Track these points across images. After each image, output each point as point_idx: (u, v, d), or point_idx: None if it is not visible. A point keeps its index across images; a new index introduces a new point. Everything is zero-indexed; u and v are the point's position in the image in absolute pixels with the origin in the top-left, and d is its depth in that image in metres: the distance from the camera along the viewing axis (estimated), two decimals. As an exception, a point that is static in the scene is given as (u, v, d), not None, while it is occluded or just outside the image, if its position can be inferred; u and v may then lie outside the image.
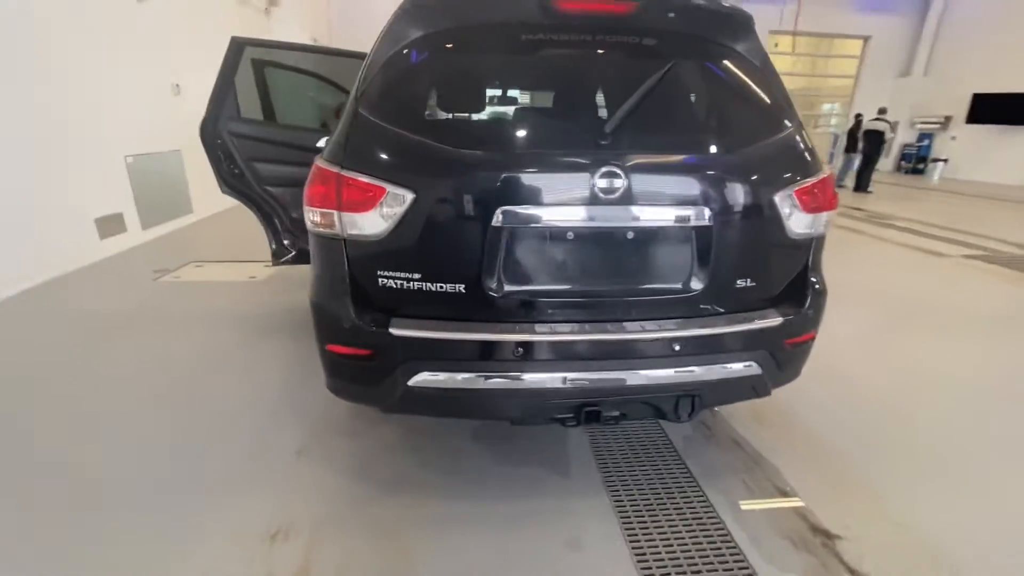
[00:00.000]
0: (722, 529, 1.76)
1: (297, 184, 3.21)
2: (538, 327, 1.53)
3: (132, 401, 2.44)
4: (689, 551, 1.66)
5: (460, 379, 1.52)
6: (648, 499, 1.89)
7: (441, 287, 1.51)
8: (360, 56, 3.15)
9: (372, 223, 1.47)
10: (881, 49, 14.94)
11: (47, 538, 1.67)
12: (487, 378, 1.52)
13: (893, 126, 10.57)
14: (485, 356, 1.52)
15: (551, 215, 1.47)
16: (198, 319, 3.41)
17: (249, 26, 8.00)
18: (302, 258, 3.38)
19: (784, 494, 1.93)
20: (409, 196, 1.44)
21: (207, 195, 6.47)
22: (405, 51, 1.56)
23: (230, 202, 7.56)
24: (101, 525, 1.72)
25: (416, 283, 1.51)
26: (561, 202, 1.46)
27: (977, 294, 4.37)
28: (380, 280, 1.53)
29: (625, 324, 1.55)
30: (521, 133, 1.53)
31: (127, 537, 1.68)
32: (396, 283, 1.52)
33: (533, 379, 1.53)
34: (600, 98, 1.61)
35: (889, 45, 14.90)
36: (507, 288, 1.53)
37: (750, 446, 2.20)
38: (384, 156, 1.49)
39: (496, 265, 1.50)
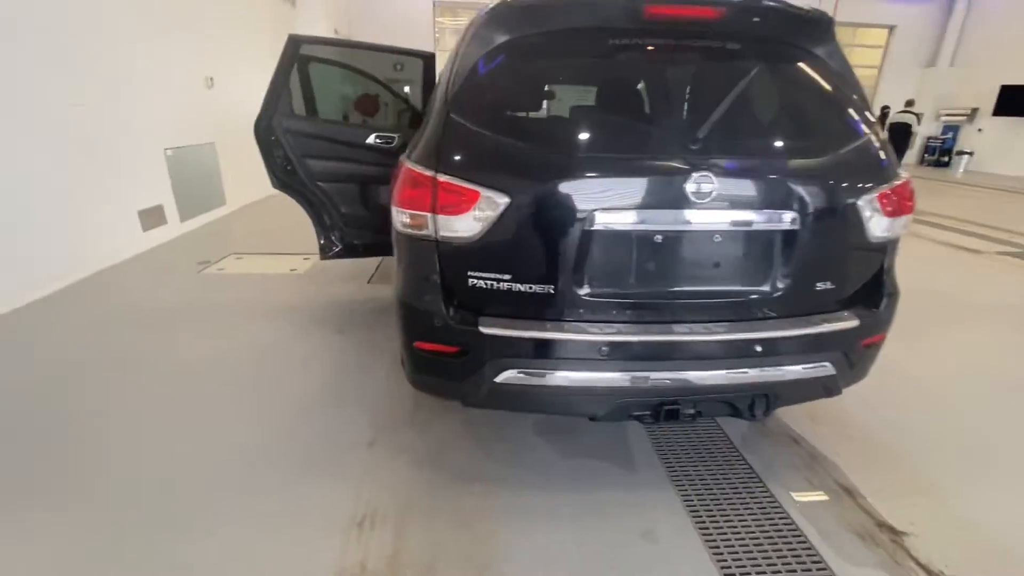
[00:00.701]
0: (790, 523, 1.81)
1: (347, 180, 3.31)
2: (624, 327, 1.57)
3: (200, 395, 2.52)
4: (760, 543, 1.72)
5: (546, 377, 1.58)
6: (713, 493, 1.94)
7: (530, 288, 1.56)
8: (412, 54, 3.21)
9: (466, 226, 1.52)
10: (906, 39, 14.67)
11: (137, 530, 1.76)
12: (573, 376, 1.58)
13: (919, 118, 10.43)
14: (572, 355, 1.57)
15: (644, 219, 1.52)
16: (247, 311, 3.50)
17: (277, 18, 8.05)
18: (349, 252, 3.46)
19: (846, 490, 1.98)
20: (504, 200, 1.49)
21: (239, 187, 6.59)
22: (493, 55, 1.59)
23: (260, 194, 7.74)
24: (192, 517, 1.80)
25: (506, 283, 1.56)
26: (654, 205, 1.50)
27: (1017, 290, 4.35)
28: (470, 280, 1.58)
29: (708, 325, 1.60)
30: (613, 137, 1.57)
31: (221, 526, 1.76)
32: (486, 283, 1.57)
33: (617, 378, 1.58)
34: (687, 102, 1.64)
35: (915, 35, 14.63)
36: (595, 289, 1.58)
37: (807, 442, 2.25)
38: (478, 160, 1.53)
39: (586, 267, 1.55)
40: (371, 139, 3.21)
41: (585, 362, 1.57)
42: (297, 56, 2.88)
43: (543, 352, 1.57)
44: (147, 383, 2.60)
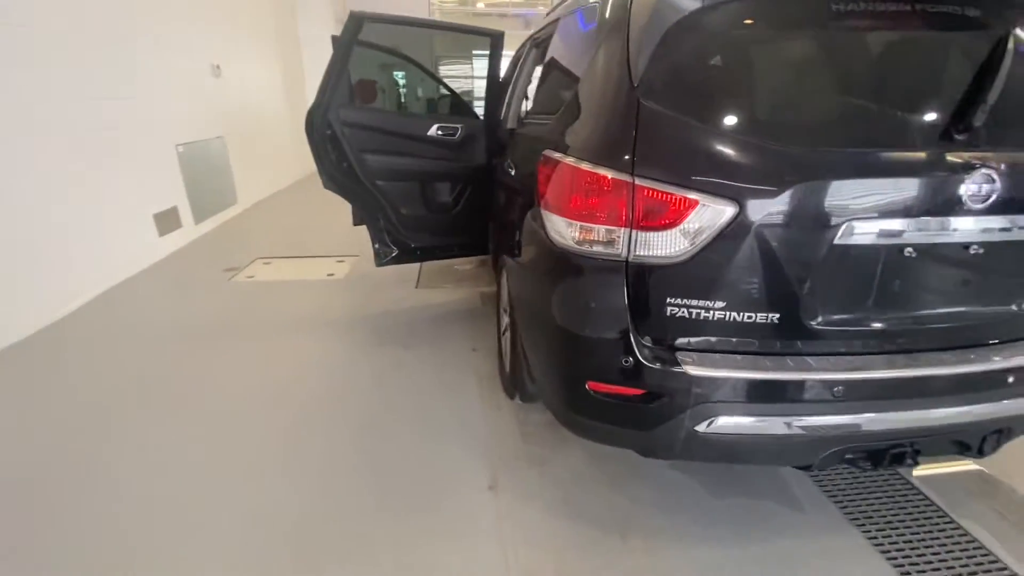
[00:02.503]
0: (998, 563, 1.57)
1: (407, 178, 2.96)
2: (861, 362, 1.29)
3: (283, 426, 2.19)
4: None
5: (766, 424, 1.29)
6: (900, 532, 1.69)
7: (750, 317, 1.26)
8: (479, 32, 2.85)
9: (673, 243, 1.22)
10: None
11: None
12: (799, 422, 1.29)
13: None
14: (799, 397, 1.28)
15: (905, 228, 1.22)
16: (294, 324, 3.16)
17: (280, 1, 7.56)
18: (406, 257, 3.13)
19: (1045, 522, 1.74)
20: (729, 210, 1.18)
21: (249, 184, 6.16)
22: (687, 26, 1.27)
23: (269, 191, 7.29)
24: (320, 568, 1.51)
25: (718, 312, 1.26)
26: (920, 212, 1.21)
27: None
28: (669, 309, 1.28)
29: (956, 353, 1.32)
30: (861, 127, 1.26)
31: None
32: (690, 312, 1.27)
33: (849, 421, 1.30)
34: (944, 82, 1.32)
35: None
36: (829, 317, 1.29)
37: (984, 471, 1.99)
38: (692, 159, 1.22)
39: (824, 289, 1.26)
40: (433, 131, 2.87)
41: (815, 404, 1.28)
42: (357, 36, 2.51)
43: (765, 395, 1.28)
44: (212, 417, 2.26)
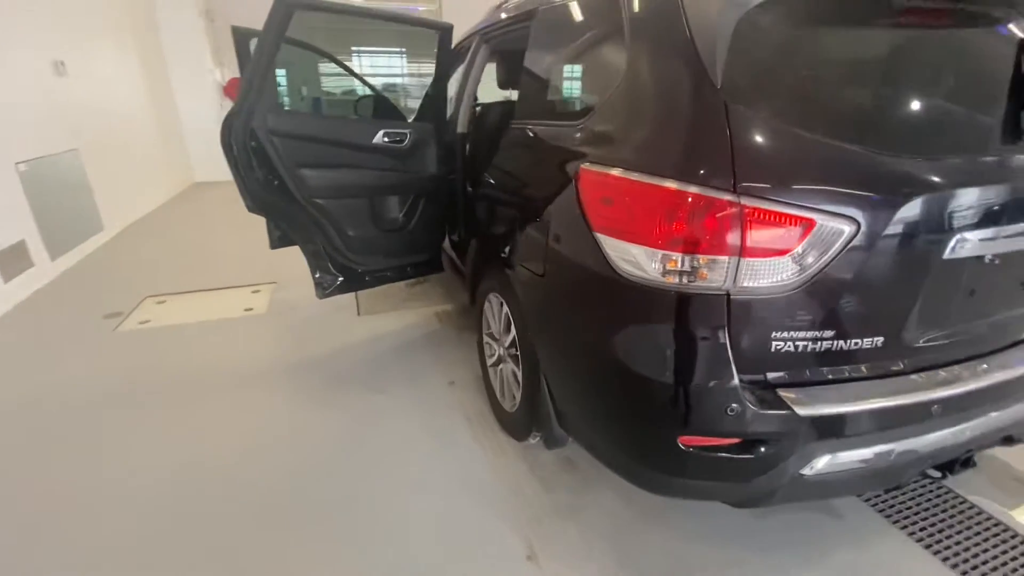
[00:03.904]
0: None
1: (353, 193, 2.53)
2: (955, 375, 1.23)
3: (252, 526, 1.72)
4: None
5: (872, 454, 1.18)
6: (939, 527, 1.72)
7: (856, 343, 1.14)
8: (426, 25, 2.50)
9: (784, 269, 1.05)
10: None
11: None
12: (902, 446, 1.20)
13: None
14: (904, 421, 1.19)
15: (997, 236, 1.16)
16: (216, 381, 2.57)
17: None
18: (353, 284, 2.71)
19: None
20: (846, 229, 1.04)
21: (116, 205, 5.15)
22: (766, 15, 1.11)
23: (144, 209, 6.14)
24: None
25: (824, 343, 1.12)
26: (1015, 219, 1.16)
27: None
28: (774, 345, 1.11)
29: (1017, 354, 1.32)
30: (959, 132, 1.17)
31: None
32: (796, 346, 1.12)
33: (944, 437, 1.24)
34: (993, 80, 1.28)
35: None
36: (930, 333, 1.21)
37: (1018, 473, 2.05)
38: (800, 172, 1.05)
39: (928, 305, 1.17)
40: (379, 138, 2.49)
41: (917, 426, 1.20)
42: (287, 26, 2.05)
43: (872, 425, 1.17)
44: (160, 532, 1.71)
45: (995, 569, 1.54)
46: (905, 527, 1.71)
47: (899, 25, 1.20)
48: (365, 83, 3.36)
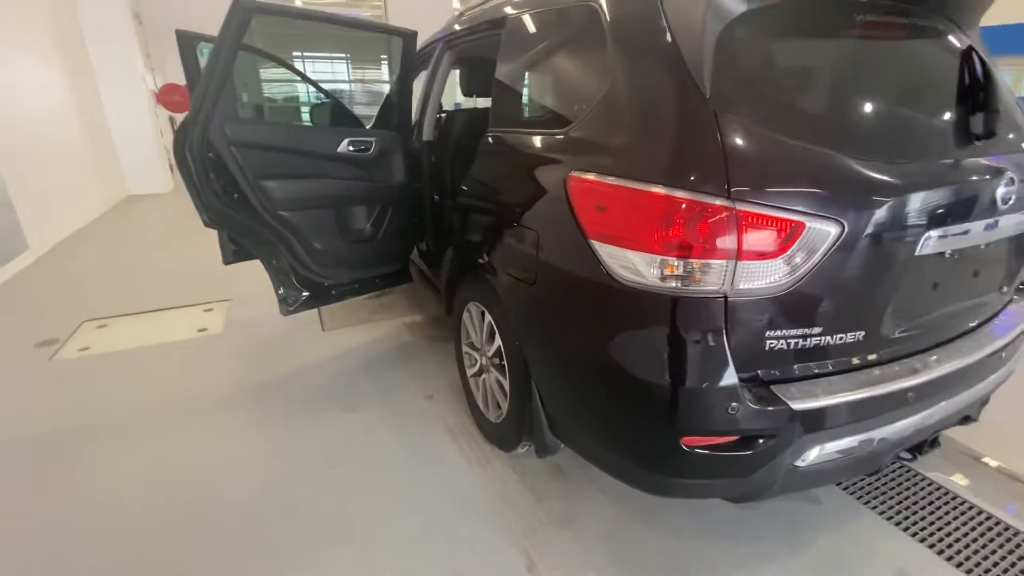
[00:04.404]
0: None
1: (319, 204, 2.44)
2: (926, 362, 1.32)
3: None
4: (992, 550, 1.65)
5: (857, 443, 1.25)
6: (906, 504, 1.83)
7: (841, 339, 1.20)
8: (390, 31, 2.44)
9: (777, 271, 1.09)
10: None
11: None
12: (881, 433, 1.27)
13: None
14: (885, 408, 1.26)
15: (964, 232, 1.26)
16: (171, 411, 2.38)
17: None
18: (319, 299, 2.61)
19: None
20: (833, 230, 1.09)
21: (42, 221, 4.74)
22: (744, 28, 1.15)
23: (75, 224, 5.67)
24: None
25: (813, 339, 1.17)
26: (971, 217, 1.26)
27: None
28: (768, 344, 1.15)
29: (977, 339, 1.43)
30: (919, 136, 1.26)
31: None
32: (788, 343, 1.16)
33: (917, 420, 1.32)
34: (942, 91, 1.39)
35: None
36: (904, 324, 1.29)
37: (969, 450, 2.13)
38: (788, 177, 1.09)
39: (902, 300, 1.24)
40: (344, 146, 2.41)
41: (896, 412, 1.27)
42: (245, 31, 1.94)
43: (859, 414, 1.23)
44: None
45: (959, 540, 1.66)
46: (875, 507, 1.81)
47: (861, 36, 1.28)
48: (321, 90, 3.25)
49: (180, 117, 7.68)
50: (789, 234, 1.07)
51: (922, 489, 1.88)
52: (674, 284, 1.11)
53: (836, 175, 1.13)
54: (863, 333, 1.23)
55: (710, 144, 1.08)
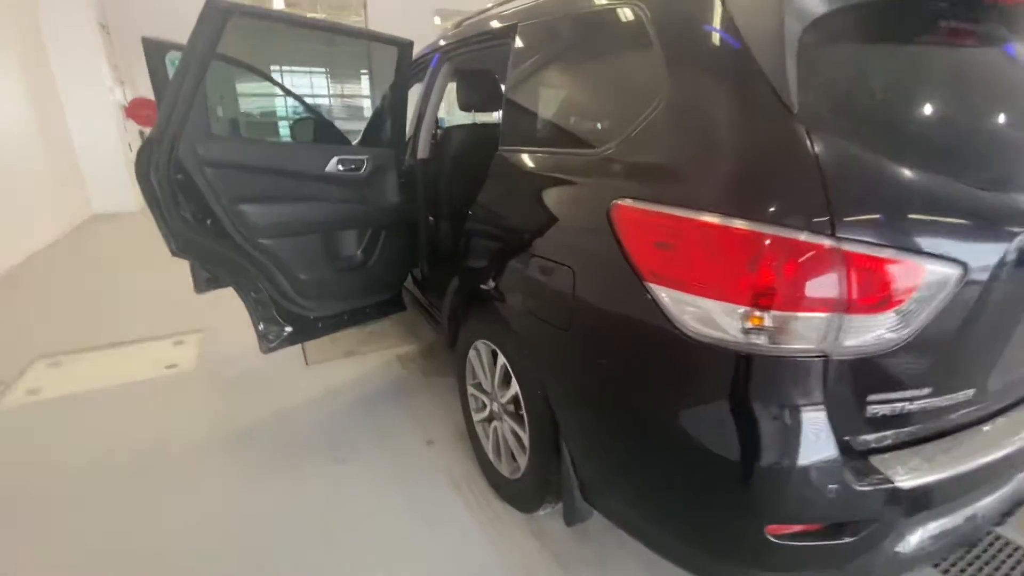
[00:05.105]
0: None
1: (304, 231, 2.18)
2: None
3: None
4: None
5: (958, 520, 1.05)
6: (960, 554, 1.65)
7: (950, 399, 1.00)
8: (383, 40, 2.22)
9: (886, 324, 0.89)
10: None
11: None
12: (986, 504, 1.08)
13: None
14: (990, 476, 1.07)
15: None
16: (133, 466, 2.07)
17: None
18: (303, 334, 2.35)
19: None
20: (955, 273, 0.90)
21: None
22: (828, 31, 0.97)
23: (25, 251, 5.22)
24: None
25: (920, 401, 0.98)
26: None
27: None
28: (870, 409, 0.95)
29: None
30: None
31: None
32: (893, 408, 0.96)
33: (1016, 485, 1.14)
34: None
35: None
36: (1008, 375, 1.10)
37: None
38: (901, 211, 0.90)
39: (1012, 349, 1.05)
40: (332, 165, 2.18)
41: (1003, 478, 1.09)
42: (221, 35, 1.70)
43: (961, 487, 1.03)
44: None
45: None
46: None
47: (967, 45, 1.11)
48: (304, 104, 3.01)
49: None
50: (907, 279, 0.88)
51: (1009, 556, 1.70)
52: (761, 340, 0.90)
53: (955, 207, 0.95)
54: (973, 391, 1.04)
55: (806, 170, 0.88)
